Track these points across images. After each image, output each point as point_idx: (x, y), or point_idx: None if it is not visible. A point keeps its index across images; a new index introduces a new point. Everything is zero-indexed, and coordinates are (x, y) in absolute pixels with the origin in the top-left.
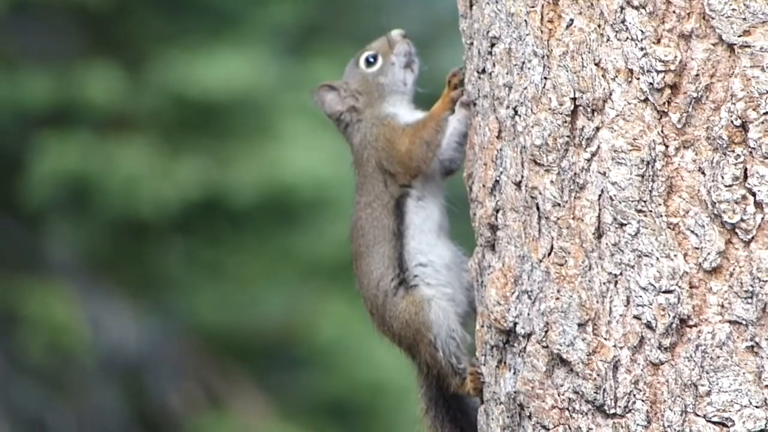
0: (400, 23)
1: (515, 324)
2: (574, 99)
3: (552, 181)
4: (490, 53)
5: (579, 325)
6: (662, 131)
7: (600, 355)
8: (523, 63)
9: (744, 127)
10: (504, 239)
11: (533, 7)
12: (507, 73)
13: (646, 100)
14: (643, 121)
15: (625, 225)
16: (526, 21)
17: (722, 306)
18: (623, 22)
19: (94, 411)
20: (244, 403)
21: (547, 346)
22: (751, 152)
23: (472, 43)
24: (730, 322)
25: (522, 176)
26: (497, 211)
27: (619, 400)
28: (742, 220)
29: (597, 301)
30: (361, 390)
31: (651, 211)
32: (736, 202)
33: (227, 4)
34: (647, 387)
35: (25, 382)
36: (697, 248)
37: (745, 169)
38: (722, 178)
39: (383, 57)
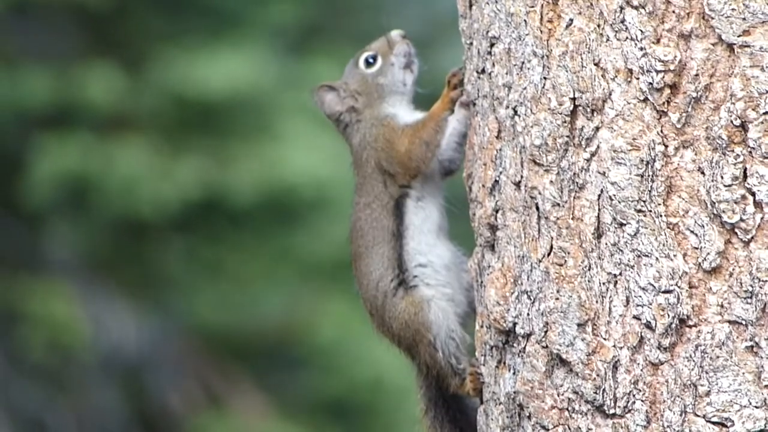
0: (400, 23)
1: (515, 324)
2: (573, 99)
3: (551, 181)
4: (489, 53)
5: (578, 325)
6: (662, 131)
7: (599, 355)
8: (523, 63)
9: (743, 126)
10: (503, 239)
11: (533, 7)
12: (506, 73)
13: (645, 99)
14: (643, 121)
15: (625, 225)
16: (525, 21)
17: (722, 306)
18: (623, 21)
19: (94, 411)
20: (244, 403)
21: (546, 347)
22: (750, 152)
23: (471, 43)
24: (729, 322)
25: (521, 176)
26: (497, 211)
27: (618, 401)
28: (741, 219)
29: (596, 301)
30: (360, 389)
31: (650, 211)
32: (736, 202)
33: (227, 4)
34: (647, 387)
35: (25, 381)
36: (697, 248)
37: (745, 169)
38: (722, 177)
39: (383, 57)
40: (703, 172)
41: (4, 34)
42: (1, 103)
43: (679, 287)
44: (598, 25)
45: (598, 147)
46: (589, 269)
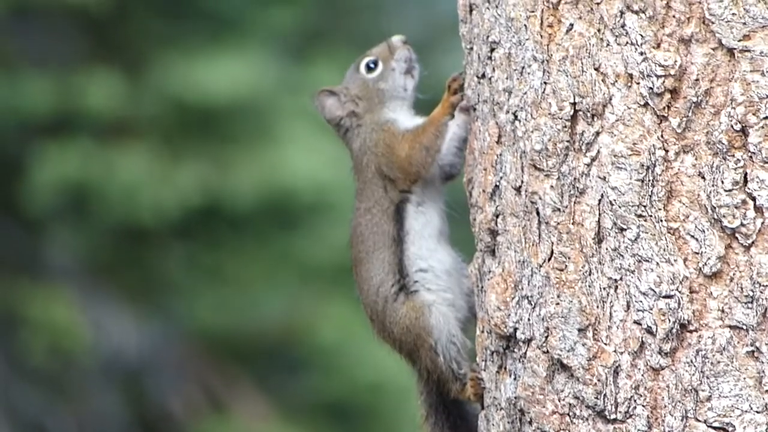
0: (400, 27)
1: (515, 329)
2: (573, 104)
3: (552, 186)
4: (489, 58)
5: (579, 330)
6: (662, 136)
7: (600, 361)
8: (523, 68)
9: (744, 131)
10: (504, 244)
11: (533, 11)
12: (507, 78)
13: (645, 104)
14: (643, 125)
15: (625, 230)
16: (525, 26)
17: (722, 311)
18: (623, 26)
19: (94, 415)
20: (245, 406)
21: (547, 352)
22: (751, 157)
23: (471, 48)
24: (730, 327)
25: (522, 181)
26: (497, 216)
27: (619, 406)
28: (742, 224)
29: (597, 306)
30: (361, 392)
31: (651, 215)
32: (736, 207)
33: (227, 9)
34: (648, 392)
35: (25, 386)
36: (697, 253)
37: (745, 174)
38: (722, 182)
39: (384, 63)
40: (703, 177)
41: (4, 38)
42: (2, 109)
43: (679, 292)
44: (599, 30)
45: (598, 152)
46: (589, 274)
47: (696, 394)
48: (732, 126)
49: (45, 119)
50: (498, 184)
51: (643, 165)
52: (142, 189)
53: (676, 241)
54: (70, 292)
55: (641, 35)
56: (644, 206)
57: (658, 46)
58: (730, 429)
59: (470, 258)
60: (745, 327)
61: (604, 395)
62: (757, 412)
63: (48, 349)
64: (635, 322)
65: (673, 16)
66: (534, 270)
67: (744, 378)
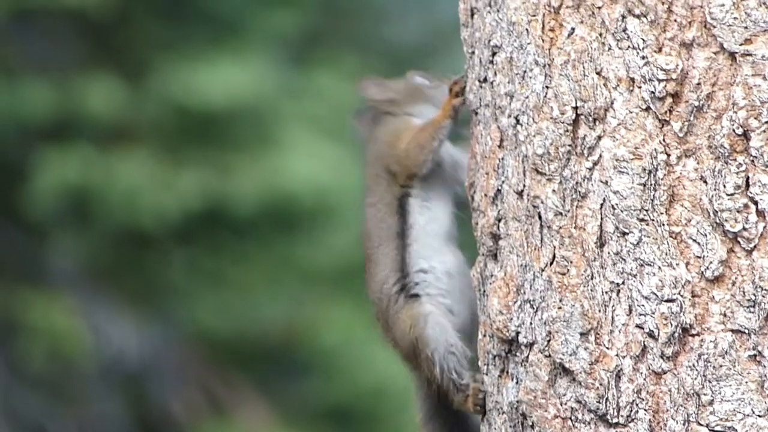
0: (401, 31)
1: (517, 333)
2: (575, 108)
3: (554, 190)
4: (491, 62)
5: (581, 334)
6: (664, 140)
7: (602, 365)
8: (525, 72)
9: (746, 135)
10: (506, 248)
11: (534, 16)
12: (508, 82)
13: (647, 108)
14: (645, 129)
15: (627, 234)
16: (527, 30)
17: (724, 315)
18: (624, 30)
19: (95, 419)
20: (247, 410)
21: (549, 356)
22: (752, 161)
23: (473, 52)
24: (732, 331)
25: (524, 185)
26: (499, 221)
27: (621, 410)
28: (744, 228)
29: (599, 311)
30: (363, 396)
31: (653, 219)
32: (738, 211)
33: (228, 13)
34: (650, 396)
35: (26, 390)
36: (699, 257)
37: (747, 178)
38: (724, 186)
39: (435, 80)
40: (705, 181)
41: (4, 43)
42: (2, 114)
43: (681, 296)
44: (600, 34)
45: (600, 156)
46: (591, 278)
47: (698, 398)
48: (734, 130)
49: (45, 124)
50: (500, 188)
51: (645, 169)
52: (143, 194)
53: (678, 245)
54: (71, 297)
55: (643, 39)
56: (646, 210)
57: (660, 50)
58: None
59: (473, 262)
60: (747, 331)
61: (606, 399)
62: (759, 416)
63: (48, 353)
64: (637, 326)
65: (675, 20)
66: (536, 274)
67: (746, 382)
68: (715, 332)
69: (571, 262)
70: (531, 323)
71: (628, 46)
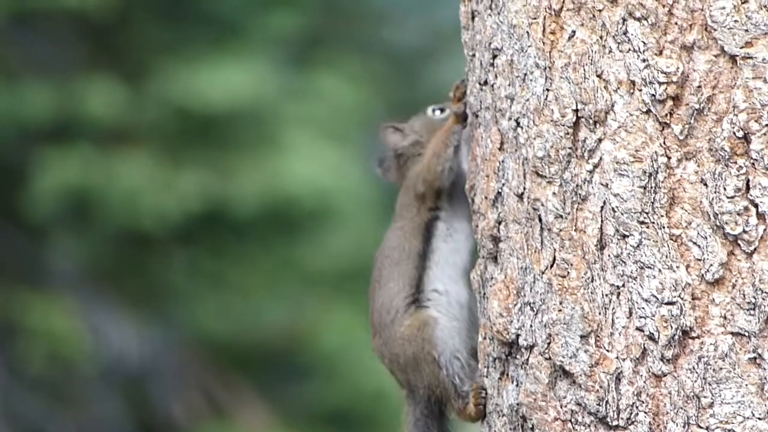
0: (402, 34)
1: (518, 336)
2: (576, 110)
3: (554, 193)
4: (492, 65)
5: (581, 336)
6: (664, 143)
7: (602, 367)
8: (525, 75)
9: (746, 138)
10: (506, 251)
11: (535, 18)
12: (509, 85)
13: (648, 111)
14: (645, 132)
15: (628, 236)
16: (528, 33)
17: (725, 317)
18: (625, 33)
19: (96, 421)
20: (247, 413)
21: (549, 358)
22: (753, 164)
23: (474, 55)
24: (732, 333)
25: (524, 188)
26: (499, 223)
27: (621, 412)
28: (744, 231)
29: (599, 313)
30: (363, 398)
31: (653, 222)
32: (739, 214)
33: (229, 15)
34: (650, 399)
35: (26, 392)
36: (700, 260)
37: (748, 181)
38: (724, 189)
39: (451, 109)
40: (705, 184)
41: (5, 45)
42: (3, 116)
43: (681, 299)
44: (601, 37)
45: (600, 159)
46: (591, 281)
47: (698, 401)
48: (734, 133)
49: (46, 126)
50: (500, 190)
51: (645, 172)
52: (144, 195)
53: (678, 248)
54: (71, 299)
55: (643, 42)
56: (646, 213)
57: (661, 53)
58: None
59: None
60: (747, 334)
61: (606, 402)
62: (759, 418)
63: (48, 356)
64: (637, 328)
65: (676, 23)
66: (536, 277)
67: (746, 385)
68: (715, 335)
69: (572, 264)
70: (531, 326)
71: (629, 49)
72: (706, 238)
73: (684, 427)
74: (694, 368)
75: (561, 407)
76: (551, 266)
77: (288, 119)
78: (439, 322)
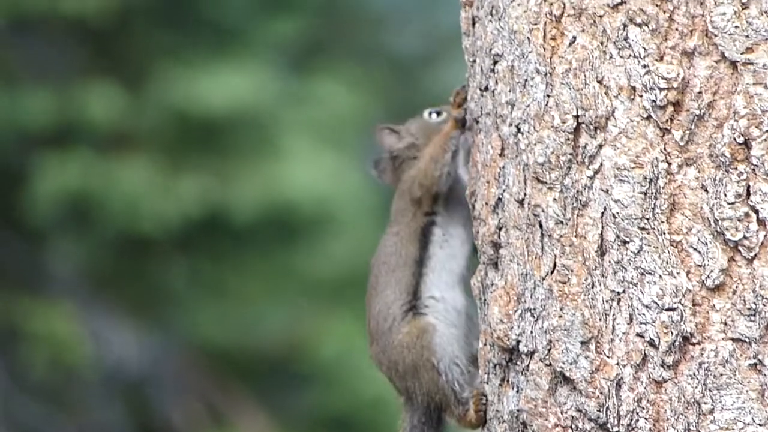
0: (402, 40)
1: (518, 342)
2: (576, 116)
3: (555, 199)
4: (492, 71)
5: (582, 343)
6: (665, 149)
7: (603, 373)
8: (526, 80)
9: (747, 144)
10: (507, 257)
11: (536, 24)
12: (510, 91)
13: (648, 117)
14: (646, 138)
15: (628, 243)
16: (528, 38)
17: (725, 324)
18: (626, 39)
19: (95, 427)
20: (246, 420)
21: (550, 364)
22: (753, 169)
23: (474, 61)
24: (733, 339)
25: (525, 194)
26: (500, 229)
27: (622, 418)
28: (744, 237)
29: (600, 319)
30: (363, 406)
31: (654, 228)
32: (739, 220)
33: (229, 21)
34: (650, 405)
35: (26, 398)
36: (700, 266)
37: (748, 187)
38: (725, 195)
39: (447, 113)
40: (706, 190)
41: (4, 50)
42: (2, 121)
43: (682, 305)
44: (602, 43)
45: (601, 164)
46: (592, 287)
47: (698, 407)
48: (735, 139)
49: (46, 131)
50: (501, 196)
51: (645, 178)
52: (143, 200)
53: (678, 254)
54: (71, 305)
55: (644, 48)
56: (647, 219)
57: (661, 58)
58: None
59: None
60: (747, 340)
61: (607, 408)
62: (760, 425)
63: (49, 361)
64: (638, 334)
65: (676, 29)
66: (537, 283)
67: (746, 391)
68: (715, 341)
69: (572, 270)
70: (531, 332)
71: (630, 55)
72: (706, 244)
73: None
74: (694, 374)
75: (561, 413)
76: (552, 272)
77: (288, 125)
78: (437, 329)
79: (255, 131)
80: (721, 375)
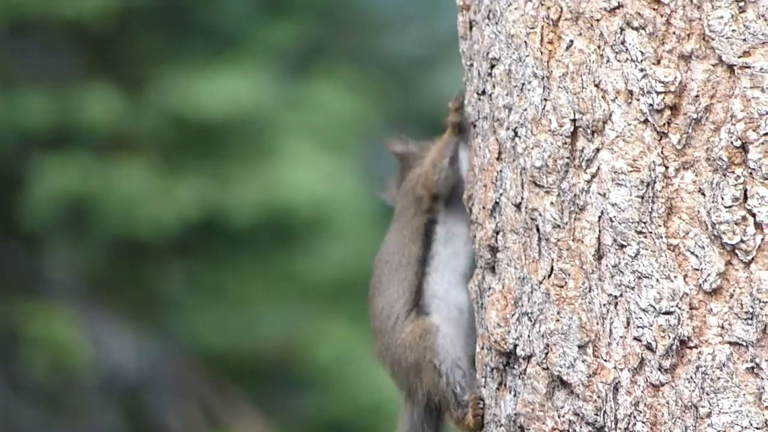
0: (400, 44)
1: (515, 346)
2: (574, 120)
3: (552, 203)
4: (489, 75)
5: (579, 346)
6: (662, 152)
7: (600, 377)
8: (523, 84)
9: (744, 148)
10: (504, 261)
11: (533, 28)
12: (507, 95)
13: (646, 121)
14: (643, 142)
15: (625, 246)
16: (525, 42)
17: (722, 327)
18: (623, 43)
19: (93, 431)
20: (244, 425)
21: (547, 368)
22: (751, 173)
23: (472, 65)
24: (730, 343)
25: (522, 198)
26: (497, 233)
27: (619, 422)
28: (742, 241)
29: (597, 323)
30: (361, 411)
31: (651, 232)
32: (736, 223)
33: (227, 25)
34: (648, 409)
35: (24, 403)
36: (697, 269)
37: (745, 190)
38: (722, 199)
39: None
40: (703, 194)
41: (2, 54)
42: (0, 124)
43: (679, 309)
44: (599, 47)
45: (598, 168)
46: (589, 291)
47: (696, 411)
48: (732, 142)
49: (43, 134)
50: (498, 200)
51: (643, 181)
52: (141, 204)
53: (676, 258)
54: (69, 308)
55: (641, 52)
56: (644, 223)
57: (658, 62)
58: None
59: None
60: (744, 343)
61: (604, 412)
62: (757, 428)
63: (48, 365)
64: (635, 338)
65: (673, 33)
66: (534, 287)
67: (744, 394)
68: (712, 344)
69: (569, 274)
70: (529, 336)
71: (627, 59)
72: (703, 247)
73: None
74: (691, 378)
75: (559, 417)
76: (549, 276)
77: (286, 129)
78: (440, 330)
79: (253, 135)
80: (719, 378)
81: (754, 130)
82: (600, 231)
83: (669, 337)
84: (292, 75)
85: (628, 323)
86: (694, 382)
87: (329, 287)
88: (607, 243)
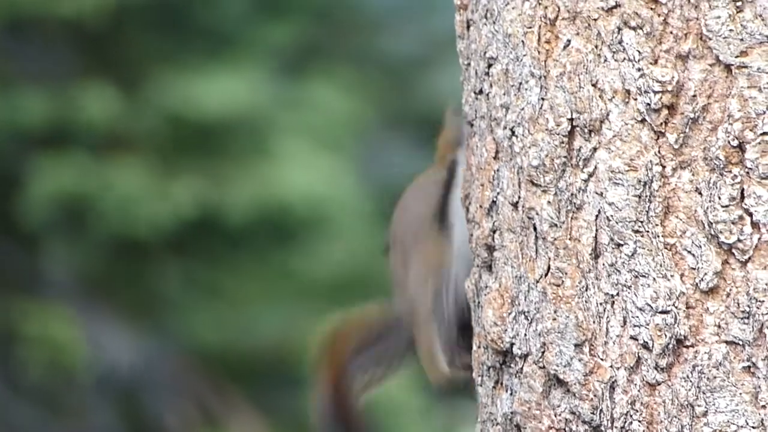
0: (397, 44)
1: (512, 344)
2: (571, 120)
3: (549, 202)
4: (487, 74)
5: (576, 345)
6: (659, 152)
7: (597, 376)
8: (520, 84)
9: (741, 147)
10: (501, 260)
11: (530, 28)
12: (504, 94)
13: (643, 120)
14: (640, 141)
15: (622, 245)
16: (523, 42)
17: (719, 326)
18: (620, 42)
19: (90, 431)
20: (241, 424)
21: (543, 367)
22: (747, 173)
23: (469, 64)
24: (726, 342)
25: (519, 197)
26: (494, 232)
27: (615, 421)
28: (738, 240)
29: (594, 322)
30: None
31: (648, 231)
32: (733, 223)
33: (224, 24)
34: (644, 407)
35: (22, 402)
36: (694, 269)
37: (742, 190)
38: (719, 198)
39: None
40: (700, 193)
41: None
42: None
43: (676, 308)
44: (596, 46)
45: (595, 168)
46: (586, 290)
47: (692, 410)
48: (729, 142)
49: (41, 134)
50: (495, 199)
51: (640, 181)
52: (138, 203)
53: (672, 257)
54: (67, 308)
55: (639, 51)
56: (641, 222)
57: (656, 62)
58: None
59: None
60: (741, 342)
61: (601, 411)
62: (753, 427)
63: (45, 365)
64: (632, 337)
65: (671, 32)
66: (531, 285)
67: (740, 393)
68: (709, 344)
69: (566, 273)
70: (525, 334)
71: (624, 58)
72: (700, 246)
73: None
74: (688, 377)
75: (555, 416)
76: (546, 275)
77: (282, 128)
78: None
79: (250, 134)
80: (715, 378)
81: (751, 130)
82: (597, 230)
83: (665, 336)
84: (289, 74)
85: (625, 322)
86: (691, 381)
87: (327, 286)
88: (603, 242)
